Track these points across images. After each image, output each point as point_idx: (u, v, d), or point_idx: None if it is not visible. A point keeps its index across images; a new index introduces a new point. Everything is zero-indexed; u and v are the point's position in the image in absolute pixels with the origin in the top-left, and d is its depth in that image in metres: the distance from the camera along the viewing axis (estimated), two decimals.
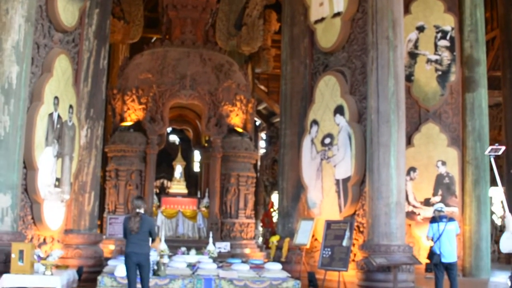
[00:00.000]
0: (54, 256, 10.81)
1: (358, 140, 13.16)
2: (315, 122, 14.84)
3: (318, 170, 14.54)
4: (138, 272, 9.00)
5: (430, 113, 16.50)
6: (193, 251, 13.30)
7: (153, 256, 10.46)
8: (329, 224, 13.36)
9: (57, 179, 13.12)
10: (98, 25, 14.52)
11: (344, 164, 13.60)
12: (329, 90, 14.38)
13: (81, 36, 14.15)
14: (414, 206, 15.90)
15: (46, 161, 12.53)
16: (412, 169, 15.95)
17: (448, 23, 16.64)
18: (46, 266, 10.54)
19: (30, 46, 11.73)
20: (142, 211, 9.08)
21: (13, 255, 10.16)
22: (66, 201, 13.62)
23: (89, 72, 14.27)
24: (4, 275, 10.14)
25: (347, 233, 12.72)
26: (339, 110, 13.96)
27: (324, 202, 14.24)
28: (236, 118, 19.73)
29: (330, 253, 12.89)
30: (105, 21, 14.78)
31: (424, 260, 11.33)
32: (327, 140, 14.26)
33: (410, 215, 15.52)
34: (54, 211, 12.99)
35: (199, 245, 15.15)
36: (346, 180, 13.47)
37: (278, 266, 11.42)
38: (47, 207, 12.57)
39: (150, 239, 9.21)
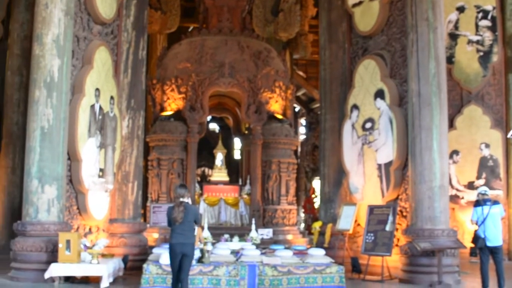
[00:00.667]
0: (100, 245, 11.03)
1: (400, 124, 13.07)
2: (355, 106, 14.74)
3: (360, 155, 14.47)
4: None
5: (472, 95, 16.35)
6: (236, 238, 13.24)
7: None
8: (371, 209, 13.33)
9: (101, 170, 13.32)
10: (136, 16, 14.64)
11: (385, 148, 13.52)
12: (368, 74, 14.28)
13: (120, 27, 14.30)
14: (457, 190, 15.82)
15: (89, 152, 12.73)
16: (455, 152, 15.86)
17: (489, 2, 16.43)
18: (93, 255, 10.76)
19: (70, 39, 11.98)
20: (185, 200, 8.60)
21: (60, 245, 10.43)
22: (110, 191, 13.81)
23: (128, 63, 14.41)
24: (52, 264, 10.40)
25: (390, 218, 12.68)
26: (379, 94, 13.85)
27: (366, 187, 14.18)
28: (275, 105, 19.71)
29: (373, 238, 12.88)
30: (143, 12, 14.88)
31: (468, 244, 11.19)
32: (368, 125, 14.19)
33: (454, 198, 15.45)
34: (99, 201, 13.19)
35: (241, 232, 15.21)
36: (388, 165, 13.40)
37: (321, 251, 11.28)
38: (92, 197, 12.78)
39: (196, 227, 8.93)
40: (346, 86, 15.30)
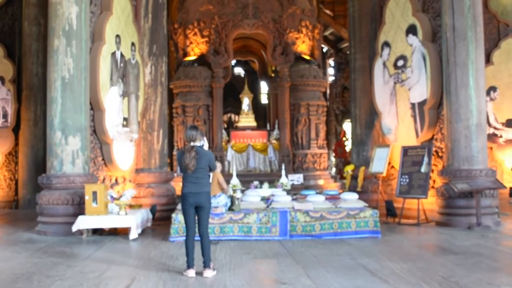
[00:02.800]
0: (127, 196, 11.10)
1: (433, 61, 12.86)
2: (386, 44, 14.57)
3: (392, 94, 14.38)
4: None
5: (510, 28, 16.07)
6: (265, 185, 13.30)
7: (223, 199, 10.54)
8: (405, 150, 13.25)
9: (125, 119, 13.36)
10: None
11: (419, 86, 13.38)
12: (400, 9, 14.05)
13: None
14: (495, 128, 15.62)
15: (112, 101, 12.73)
16: (492, 88, 15.63)
17: None
18: (120, 206, 10.81)
19: None
20: (197, 144, 7.64)
21: (86, 197, 10.48)
22: (135, 141, 13.89)
23: (148, 7, 14.28)
24: (80, 217, 10.48)
25: (425, 159, 12.59)
26: (411, 30, 13.65)
27: (399, 127, 14.11)
28: (302, 46, 19.56)
29: (408, 180, 12.83)
30: None
31: (508, 184, 11.08)
32: (400, 62, 14.04)
33: (492, 137, 15.30)
34: (124, 151, 13.26)
35: (271, 179, 15.26)
36: (422, 104, 13.27)
37: (354, 196, 11.22)
38: (117, 148, 12.85)
39: (210, 174, 8.19)
40: (376, 23, 15.15)
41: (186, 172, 7.55)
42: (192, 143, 7.61)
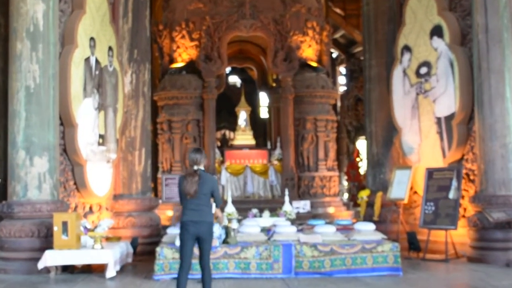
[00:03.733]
0: (103, 227, 10.94)
1: (463, 67, 12.82)
2: (407, 48, 14.54)
3: (414, 107, 14.32)
4: (196, 246, 7.94)
5: None
6: (266, 213, 13.29)
7: (217, 230, 10.40)
8: (430, 172, 13.17)
9: (101, 136, 13.28)
10: None
11: (446, 98, 13.31)
12: (423, 8, 14.03)
13: None
14: None
15: (86, 115, 12.64)
16: None
17: None
18: (95, 238, 10.69)
19: None
20: (201, 167, 7.91)
21: (55, 228, 10.34)
22: (113, 161, 13.78)
23: (128, 5, 14.30)
24: (47, 252, 10.32)
25: (454, 183, 12.51)
26: (436, 32, 13.61)
27: (423, 146, 14.03)
28: (308, 50, 19.52)
29: (433, 208, 12.76)
30: None
31: None
32: (423, 70, 13.98)
33: None
34: (100, 174, 13.14)
35: (273, 206, 15.17)
36: (449, 118, 13.20)
37: (371, 226, 11.20)
38: (91, 170, 12.72)
39: (214, 204, 8.23)
40: (394, 23, 15.14)
41: (187, 199, 7.76)
42: (195, 167, 7.86)
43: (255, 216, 13.10)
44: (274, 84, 21.56)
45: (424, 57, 14.00)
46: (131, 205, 13.98)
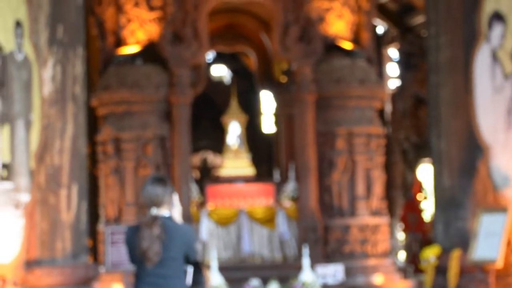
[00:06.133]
0: None
1: None
2: (497, 17, 12.48)
3: (510, 112, 12.13)
4: None
5: None
6: (274, 285, 12.73)
7: None
8: None
9: (4, 166, 11.47)
10: None
11: None
12: None
13: None
14: None
15: None
16: None
17: None
18: None
19: None
20: (166, 212, 6.04)
21: None
22: (24, 206, 11.78)
23: None
24: None
25: None
26: None
27: None
28: (338, 24, 16.07)
29: None
30: None
31: None
32: None
33: None
34: (3, 227, 11.33)
35: (284, 274, 13.57)
36: None
37: None
38: None
39: (189, 269, 6.36)
40: None
41: (143, 266, 5.93)
42: (154, 210, 5.92)
43: None
44: (283, 79, 18.16)
45: None
46: (55, 277, 11.79)
